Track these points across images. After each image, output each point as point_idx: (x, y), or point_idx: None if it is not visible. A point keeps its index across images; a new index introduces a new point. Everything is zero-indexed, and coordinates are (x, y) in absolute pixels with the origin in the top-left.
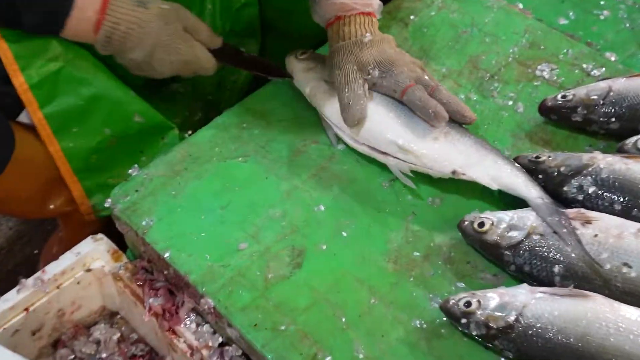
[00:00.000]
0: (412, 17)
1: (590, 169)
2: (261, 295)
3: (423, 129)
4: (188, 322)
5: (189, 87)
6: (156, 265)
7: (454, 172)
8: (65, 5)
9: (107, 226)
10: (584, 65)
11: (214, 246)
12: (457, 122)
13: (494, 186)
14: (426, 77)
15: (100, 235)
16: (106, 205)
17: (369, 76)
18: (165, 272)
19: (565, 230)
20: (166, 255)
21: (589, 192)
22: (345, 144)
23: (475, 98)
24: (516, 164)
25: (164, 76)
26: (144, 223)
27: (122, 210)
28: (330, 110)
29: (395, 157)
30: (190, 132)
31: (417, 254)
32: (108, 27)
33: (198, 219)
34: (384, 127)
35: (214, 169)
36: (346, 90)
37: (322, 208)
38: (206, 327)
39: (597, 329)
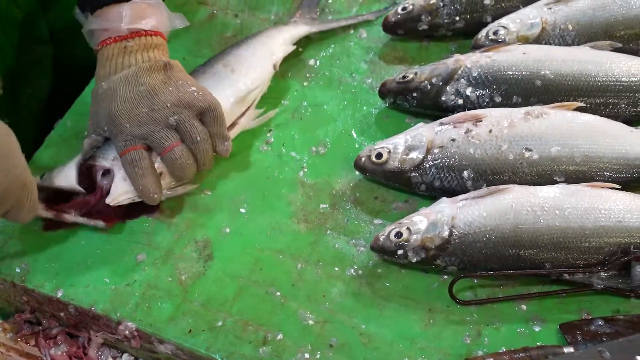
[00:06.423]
0: None
1: (460, 72)
2: (183, 300)
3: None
4: (103, 359)
5: None
6: (45, 312)
7: (274, 66)
8: None
9: None
10: None
11: (110, 268)
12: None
13: (292, 47)
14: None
15: None
16: None
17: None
18: (62, 314)
19: None
20: (59, 294)
21: (467, 94)
22: None
23: (315, 37)
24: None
25: None
26: (18, 270)
27: None
28: None
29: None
30: None
31: (324, 205)
32: None
33: (78, 246)
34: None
35: None
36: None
37: (209, 193)
38: (125, 357)
39: (526, 215)
